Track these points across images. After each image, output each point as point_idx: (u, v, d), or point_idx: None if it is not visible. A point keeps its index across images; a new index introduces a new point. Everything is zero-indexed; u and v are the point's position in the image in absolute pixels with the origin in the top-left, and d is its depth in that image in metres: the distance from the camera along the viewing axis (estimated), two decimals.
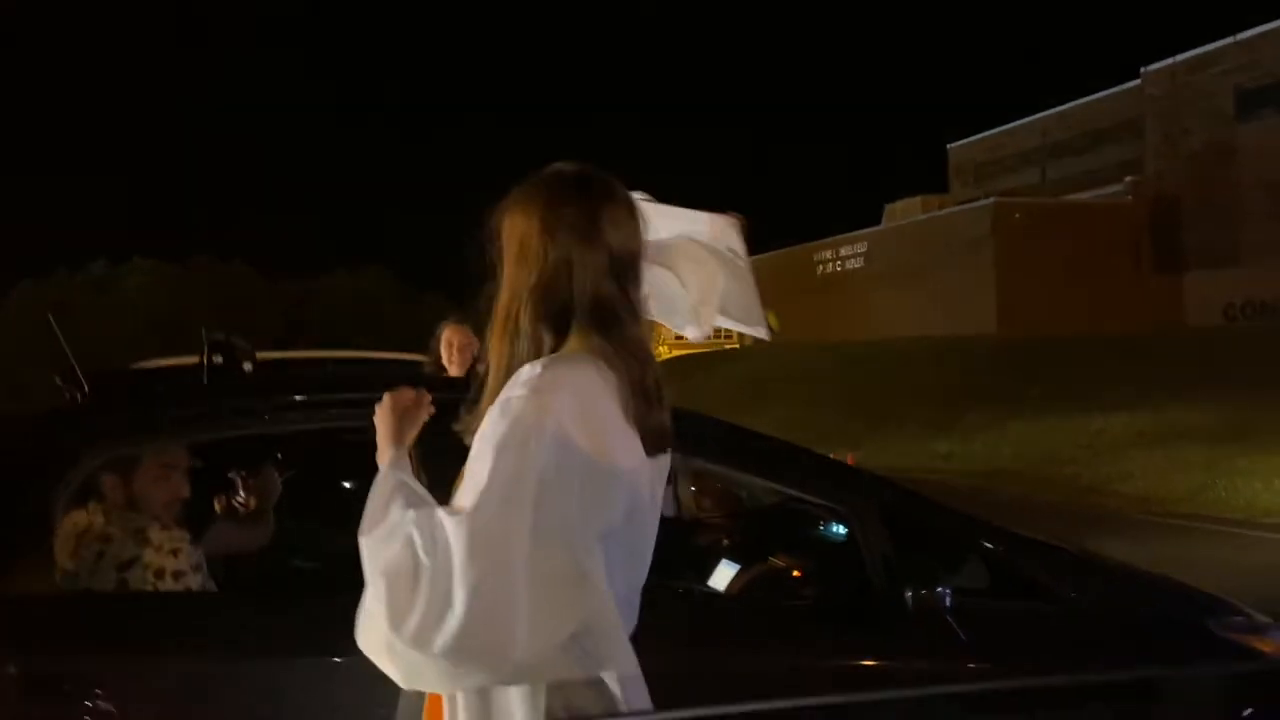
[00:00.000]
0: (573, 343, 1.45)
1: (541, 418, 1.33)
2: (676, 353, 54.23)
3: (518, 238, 1.48)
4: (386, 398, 1.57)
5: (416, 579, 1.27)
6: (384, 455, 1.50)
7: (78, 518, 2.33)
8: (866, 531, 2.34)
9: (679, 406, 2.82)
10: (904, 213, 42.23)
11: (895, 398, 21.98)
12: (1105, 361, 21.68)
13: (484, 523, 1.27)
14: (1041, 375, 20.98)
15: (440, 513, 1.31)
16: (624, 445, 1.40)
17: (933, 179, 47.15)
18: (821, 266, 43.70)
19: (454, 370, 4.21)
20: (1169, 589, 2.61)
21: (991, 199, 36.17)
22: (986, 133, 44.19)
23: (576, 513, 1.32)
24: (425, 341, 4.51)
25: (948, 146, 46.17)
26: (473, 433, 1.42)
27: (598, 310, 1.45)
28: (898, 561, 2.32)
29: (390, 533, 1.32)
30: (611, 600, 1.37)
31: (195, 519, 2.83)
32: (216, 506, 3.32)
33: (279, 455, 3.72)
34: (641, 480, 1.44)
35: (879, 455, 15.57)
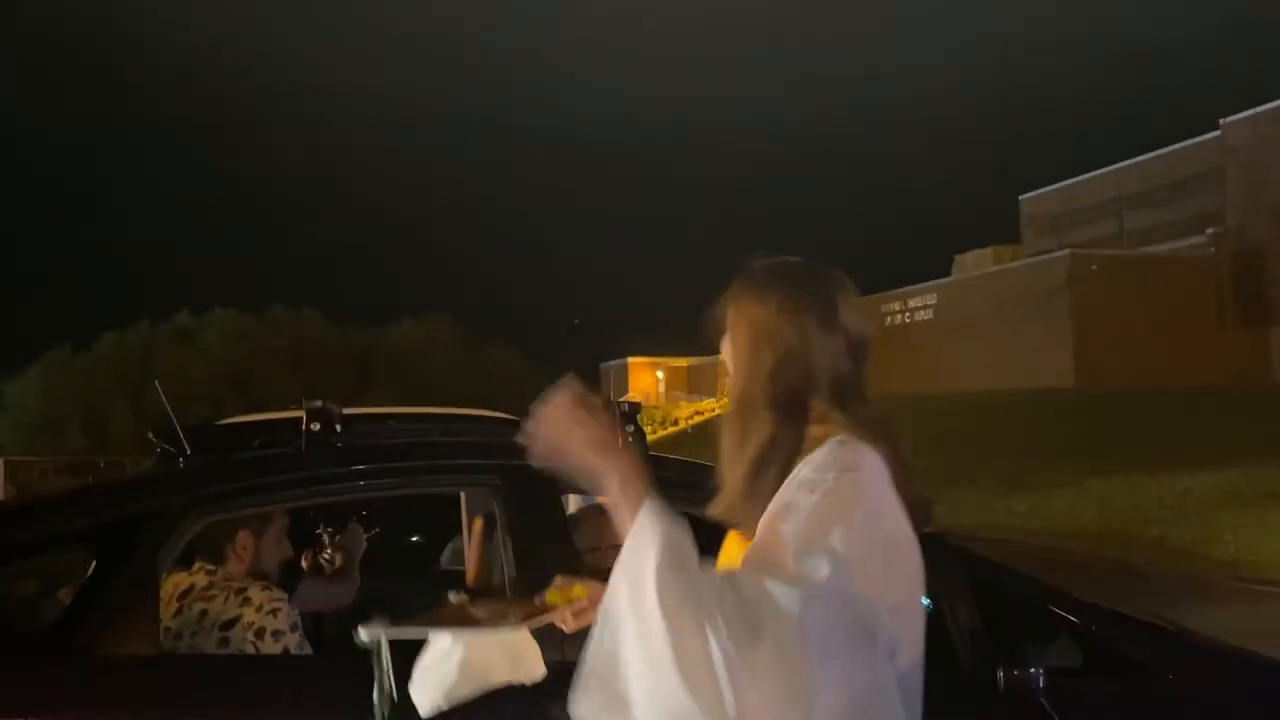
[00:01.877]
0: (819, 423, 1.47)
1: (860, 495, 1.35)
2: None
3: (753, 323, 1.52)
4: (560, 402, 1.37)
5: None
6: (625, 492, 1.32)
7: (179, 578, 2.41)
8: (954, 606, 2.30)
9: None
10: (975, 264, 41.73)
11: (969, 453, 21.53)
12: (1189, 417, 21.02)
13: (826, 605, 1.24)
14: (1122, 430, 20.42)
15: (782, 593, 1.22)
16: (906, 519, 1.42)
17: (1001, 230, 46.59)
18: (889, 318, 43.29)
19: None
20: (1273, 670, 2.51)
21: (1066, 250, 35.58)
22: (1060, 184, 43.62)
23: (880, 591, 1.31)
24: (491, 389, 4.48)
25: (1020, 198, 45.65)
26: (733, 515, 1.46)
27: (839, 389, 1.49)
28: (987, 638, 2.27)
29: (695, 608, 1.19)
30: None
31: (284, 576, 2.90)
32: (304, 564, 3.40)
33: (363, 513, 3.80)
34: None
35: (952, 514, 15.25)
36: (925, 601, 2.99)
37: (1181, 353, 31.12)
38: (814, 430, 1.46)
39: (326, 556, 3.43)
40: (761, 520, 1.38)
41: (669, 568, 1.23)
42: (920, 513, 1.45)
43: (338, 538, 3.37)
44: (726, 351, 1.59)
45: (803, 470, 1.39)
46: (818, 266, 1.58)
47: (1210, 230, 34.70)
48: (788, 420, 1.46)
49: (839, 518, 1.31)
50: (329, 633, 3.20)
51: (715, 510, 1.51)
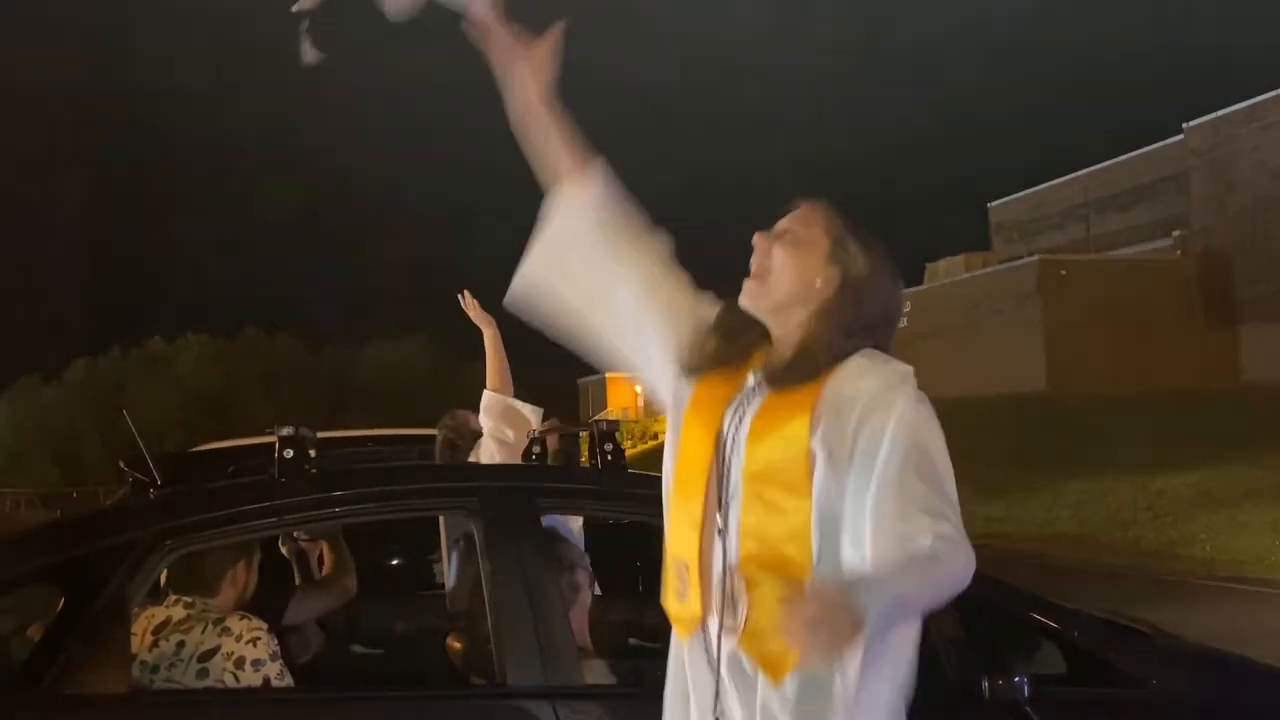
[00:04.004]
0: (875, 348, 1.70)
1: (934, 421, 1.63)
2: None
3: (866, 267, 1.72)
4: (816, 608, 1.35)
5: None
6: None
7: (154, 612, 2.37)
8: (936, 616, 2.30)
9: None
10: (946, 271, 42.03)
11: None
12: (1161, 418, 21.23)
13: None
14: (1096, 434, 20.59)
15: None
16: None
17: (973, 237, 47.04)
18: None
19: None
20: (1257, 674, 2.52)
21: (1036, 256, 35.94)
22: (1028, 190, 44.10)
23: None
24: (470, 408, 4.39)
25: (989, 205, 46.09)
26: (776, 380, 1.68)
27: (888, 327, 1.76)
28: (971, 648, 2.27)
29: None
30: None
31: (274, 595, 2.86)
32: (297, 579, 3.36)
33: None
34: None
35: None
36: None
37: (1151, 355, 31.46)
38: (849, 346, 1.67)
39: (314, 567, 3.37)
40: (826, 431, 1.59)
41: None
42: None
43: (323, 552, 3.27)
44: (790, 254, 1.72)
45: (893, 379, 1.63)
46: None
47: (1176, 233, 35.18)
48: (853, 335, 1.67)
49: (934, 438, 1.60)
50: (340, 631, 3.18)
51: (764, 374, 1.71)
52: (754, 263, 1.74)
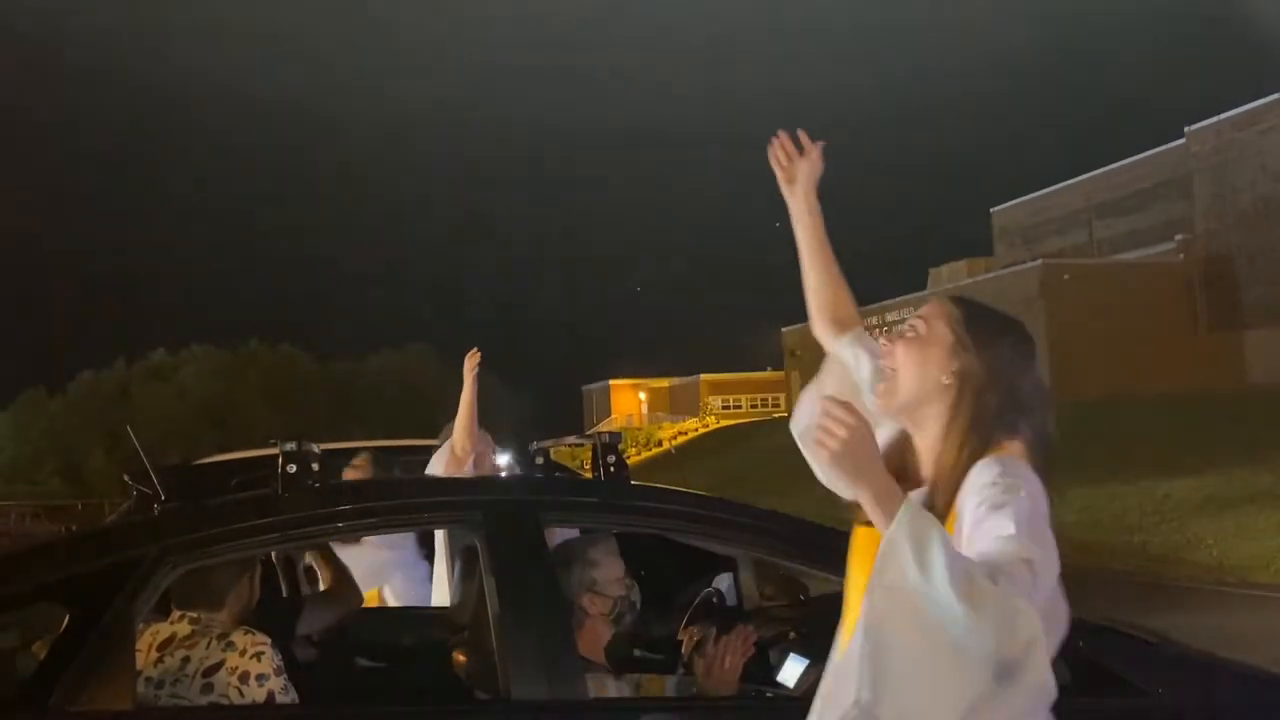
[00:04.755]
0: (1012, 441, 1.67)
1: (1038, 504, 1.58)
2: (724, 422, 54.02)
3: (990, 355, 1.70)
4: (843, 419, 1.47)
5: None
6: (884, 499, 1.46)
7: (158, 628, 2.37)
8: None
9: (737, 500, 2.82)
10: (949, 276, 42.04)
11: None
12: (1165, 422, 21.19)
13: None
14: (1101, 438, 20.54)
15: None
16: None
17: (976, 242, 47.03)
18: (868, 333, 43.46)
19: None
20: (1265, 682, 2.51)
21: (1039, 260, 35.92)
22: (1030, 195, 44.10)
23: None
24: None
25: (991, 210, 46.10)
26: (934, 500, 1.65)
27: (1031, 415, 1.70)
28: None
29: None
30: None
31: (283, 610, 2.86)
32: (304, 590, 3.36)
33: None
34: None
35: None
36: None
37: (1155, 358, 31.43)
38: (978, 442, 1.66)
39: (303, 571, 3.38)
40: (968, 514, 1.58)
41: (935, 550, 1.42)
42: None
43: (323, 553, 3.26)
44: (911, 352, 1.73)
45: (981, 478, 1.60)
46: (1007, 315, 1.80)
47: (1179, 237, 35.15)
48: (993, 430, 1.66)
49: (1032, 523, 1.54)
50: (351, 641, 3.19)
51: (915, 494, 1.67)
52: (882, 364, 1.79)
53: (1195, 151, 34.99)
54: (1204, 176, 34.54)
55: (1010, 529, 1.51)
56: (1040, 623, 1.44)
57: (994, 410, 1.67)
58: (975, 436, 1.66)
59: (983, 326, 1.73)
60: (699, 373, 64.54)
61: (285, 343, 59.39)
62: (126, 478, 4.84)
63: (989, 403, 1.67)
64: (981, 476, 1.61)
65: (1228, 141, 33.73)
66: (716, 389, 62.68)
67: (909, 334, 1.75)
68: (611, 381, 71.80)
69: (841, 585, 3.10)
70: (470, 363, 4.06)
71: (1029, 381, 1.73)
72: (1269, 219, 32.00)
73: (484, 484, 2.68)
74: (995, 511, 1.54)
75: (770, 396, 58.42)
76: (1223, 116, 34.20)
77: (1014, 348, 1.73)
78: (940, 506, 1.64)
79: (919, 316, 1.77)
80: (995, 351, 1.70)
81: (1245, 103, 33.45)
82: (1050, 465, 1.71)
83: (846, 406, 1.50)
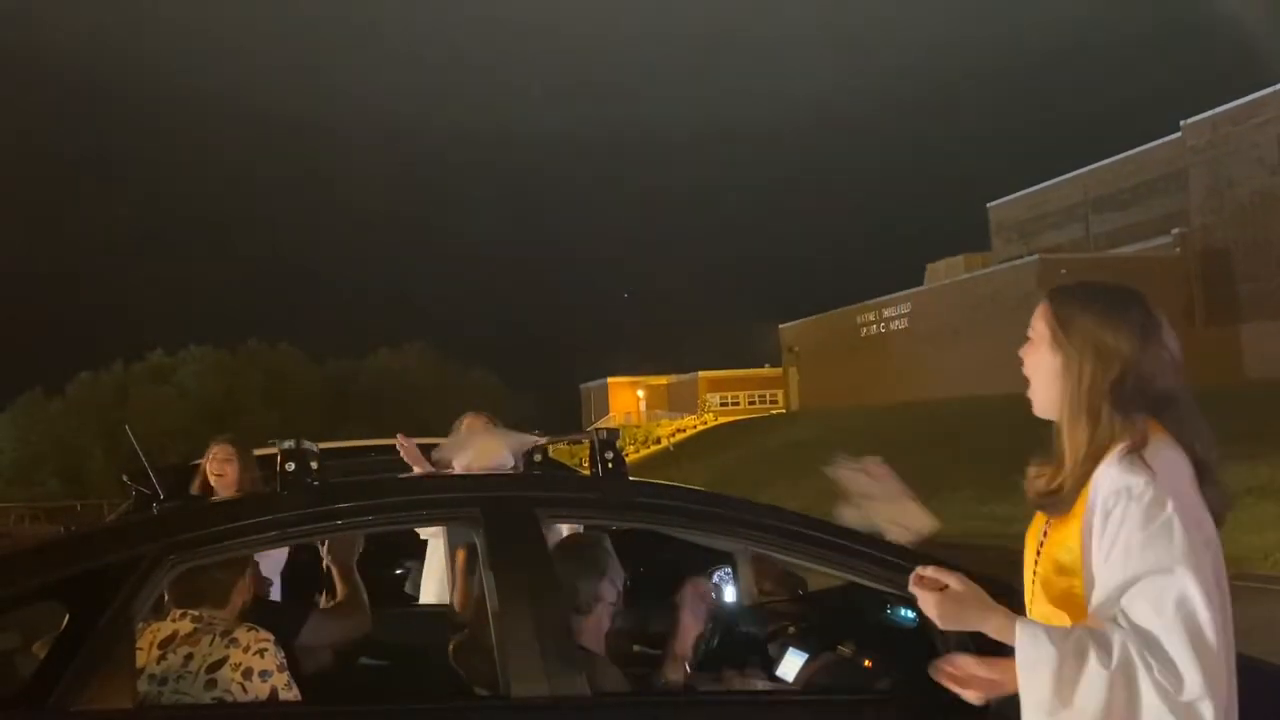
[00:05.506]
0: (1151, 429, 1.65)
1: (1168, 502, 1.57)
2: (723, 419, 54.03)
3: (1090, 339, 1.68)
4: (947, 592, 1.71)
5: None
6: (995, 622, 1.67)
7: (159, 626, 2.38)
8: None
9: (736, 495, 2.82)
10: (946, 271, 42.08)
11: (947, 460, 21.63)
12: None
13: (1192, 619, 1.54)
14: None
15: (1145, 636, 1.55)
16: (1208, 517, 1.62)
17: (972, 235, 47.06)
18: (865, 329, 43.50)
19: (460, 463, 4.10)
20: (1263, 674, 2.52)
21: (1035, 256, 35.94)
22: (1027, 190, 44.12)
23: (1213, 584, 1.57)
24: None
25: (988, 205, 46.11)
26: (1055, 506, 1.70)
27: (1166, 400, 1.68)
28: (974, 647, 2.27)
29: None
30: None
31: (292, 614, 2.86)
32: (320, 600, 3.35)
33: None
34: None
35: None
36: (909, 615, 2.99)
37: None
38: (1147, 436, 1.64)
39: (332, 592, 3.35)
40: (1085, 537, 1.64)
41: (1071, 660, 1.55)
42: (1220, 509, 1.67)
43: (326, 549, 3.19)
44: (1029, 358, 1.75)
45: (1118, 473, 1.61)
46: (1126, 289, 1.75)
47: (1175, 231, 35.18)
48: (1123, 425, 1.65)
49: (1154, 531, 1.56)
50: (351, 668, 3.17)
51: (1036, 495, 1.76)
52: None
53: (1191, 145, 35.01)
54: (1200, 170, 34.56)
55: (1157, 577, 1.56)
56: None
57: (1106, 393, 1.64)
58: (1092, 422, 1.65)
59: (1076, 313, 1.70)
60: (697, 370, 64.55)
61: (284, 342, 59.32)
62: (125, 478, 4.84)
63: (1099, 387, 1.65)
64: (1111, 478, 1.62)
65: (1224, 135, 33.75)
66: (715, 386, 62.67)
67: (1028, 339, 1.76)
68: (610, 379, 71.80)
69: (838, 580, 3.12)
70: (404, 444, 3.89)
71: (1148, 355, 1.67)
72: (1265, 212, 32.03)
73: (482, 481, 2.68)
74: (1140, 542, 1.57)
75: (769, 393, 58.45)
76: (1219, 110, 34.22)
77: (1115, 327, 1.67)
78: (1067, 499, 1.68)
79: (1032, 319, 1.78)
80: (1093, 335, 1.67)
81: (1241, 96, 33.47)
82: (1204, 435, 1.69)
83: (938, 571, 1.70)
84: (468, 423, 4.27)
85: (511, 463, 2.94)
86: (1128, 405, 1.65)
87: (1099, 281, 1.77)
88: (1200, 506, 1.62)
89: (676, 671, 2.64)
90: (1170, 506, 1.58)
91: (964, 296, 37.47)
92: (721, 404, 59.93)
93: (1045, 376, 1.73)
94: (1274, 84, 32.31)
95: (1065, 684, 1.56)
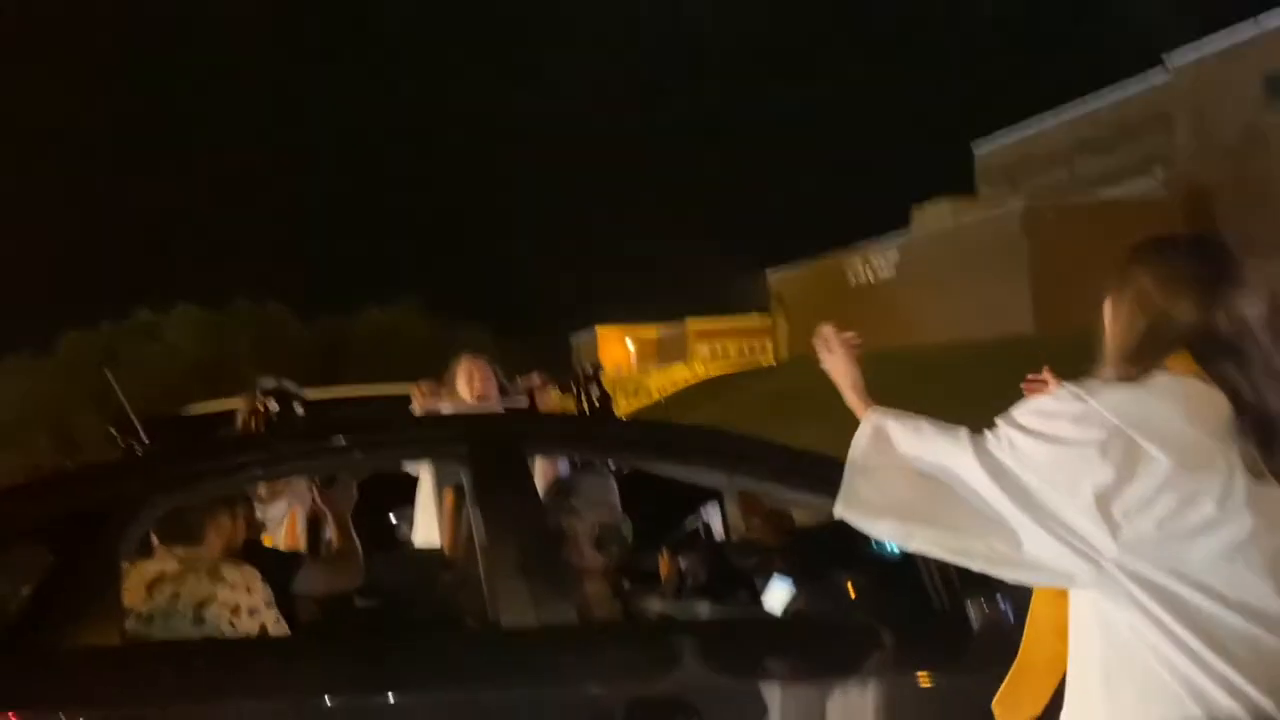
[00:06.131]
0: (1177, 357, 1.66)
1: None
2: (713, 373, 54.19)
3: (1138, 292, 1.73)
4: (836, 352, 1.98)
5: None
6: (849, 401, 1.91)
7: (146, 566, 2.38)
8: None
9: (723, 428, 2.83)
10: (933, 215, 41.96)
11: (936, 404, 21.59)
12: None
13: None
14: (1087, 370, 20.64)
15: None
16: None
17: (957, 175, 46.79)
18: (854, 277, 43.49)
19: (470, 398, 4.10)
20: None
21: (1021, 202, 35.86)
22: (1010, 130, 43.84)
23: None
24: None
25: (974, 151, 45.85)
26: None
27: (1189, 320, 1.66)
28: (958, 575, 2.30)
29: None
30: None
31: (285, 561, 2.85)
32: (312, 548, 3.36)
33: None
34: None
35: None
36: (894, 548, 3.02)
37: None
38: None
39: (326, 538, 3.35)
40: None
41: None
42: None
43: (325, 491, 3.14)
44: (1107, 314, 1.81)
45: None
46: (1206, 240, 1.77)
47: (1160, 173, 35.10)
48: (1130, 358, 1.70)
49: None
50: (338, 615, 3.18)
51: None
52: None
53: (1176, 85, 34.82)
54: (1185, 111, 34.41)
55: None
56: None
57: (1142, 334, 1.69)
58: (1125, 363, 1.69)
59: (1131, 262, 1.77)
60: (685, 316, 64.60)
61: (272, 300, 58.93)
62: (112, 429, 4.81)
63: (1138, 328, 1.70)
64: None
65: (1209, 77, 33.56)
66: (704, 336, 62.78)
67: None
68: (599, 328, 71.74)
69: (823, 511, 3.14)
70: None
71: (1192, 291, 1.66)
72: (1251, 153, 31.97)
73: (468, 418, 2.68)
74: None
75: (757, 344, 58.57)
76: (1204, 51, 33.99)
77: (1155, 270, 1.72)
78: None
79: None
80: (1138, 283, 1.74)
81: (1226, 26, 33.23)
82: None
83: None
84: (464, 365, 4.27)
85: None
86: (1157, 349, 1.67)
87: (1176, 236, 1.81)
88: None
89: None
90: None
91: (950, 243, 37.43)
92: (711, 355, 60.08)
93: (1110, 325, 1.80)
94: (1255, 12, 32.08)
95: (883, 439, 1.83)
